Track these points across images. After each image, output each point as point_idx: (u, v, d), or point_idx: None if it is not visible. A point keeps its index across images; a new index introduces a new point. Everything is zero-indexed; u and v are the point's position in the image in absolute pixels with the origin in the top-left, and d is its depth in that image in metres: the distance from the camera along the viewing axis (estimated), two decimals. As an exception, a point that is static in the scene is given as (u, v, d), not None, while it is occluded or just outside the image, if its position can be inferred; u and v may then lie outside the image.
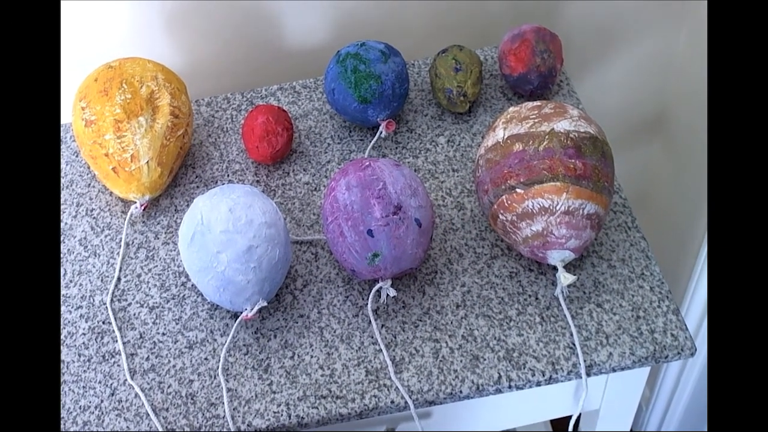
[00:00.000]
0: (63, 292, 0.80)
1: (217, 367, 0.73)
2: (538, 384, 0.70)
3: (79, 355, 0.75)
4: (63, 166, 0.92)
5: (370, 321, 0.74)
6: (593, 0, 1.03)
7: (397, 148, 0.89)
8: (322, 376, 0.71)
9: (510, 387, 0.69)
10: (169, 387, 0.72)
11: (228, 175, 0.88)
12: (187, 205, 0.86)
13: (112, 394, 0.72)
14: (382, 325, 0.74)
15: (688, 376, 1.23)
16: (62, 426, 0.71)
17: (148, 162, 0.82)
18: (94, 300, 0.79)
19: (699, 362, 1.18)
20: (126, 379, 0.73)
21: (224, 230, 0.69)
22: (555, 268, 0.76)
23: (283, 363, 0.73)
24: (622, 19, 1.06)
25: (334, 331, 0.74)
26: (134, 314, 0.78)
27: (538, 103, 0.73)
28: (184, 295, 0.79)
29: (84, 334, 0.77)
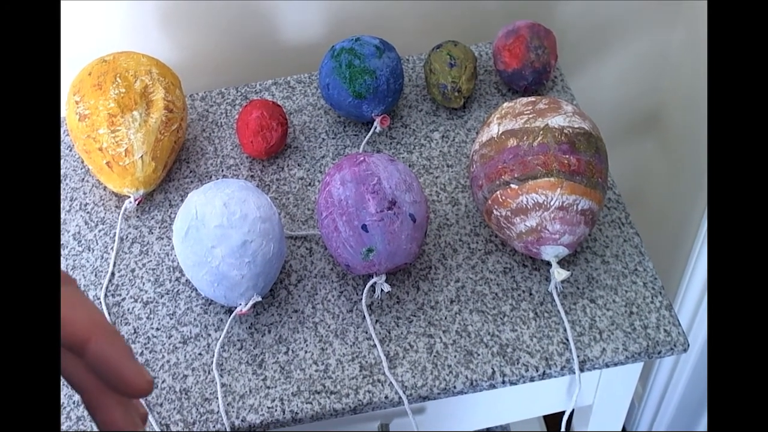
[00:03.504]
0: (56, 286, 0.80)
1: (211, 363, 0.73)
2: (532, 379, 0.70)
3: (73, 350, 0.75)
4: (56, 160, 0.91)
5: (364, 316, 0.74)
6: (588, -4, 1.03)
7: (391, 143, 0.89)
8: (316, 371, 0.71)
9: (504, 382, 0.70)
10: (163, 382, 0.72)
11: (222, 170, 0.88)
12: (182, 200, 0.86)
13: (106, 389, 0.72)
14: (377, 321, 0.74)
15: (681, 373, 1.24)
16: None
17: (142, 156, 0.82)
18: (87, 294, 0.79)
19: (691, 359, 1.19)
20: (120, 374, 0.73)
21: (219, 225, 0.69)
22: (549, 264, 0.76)
23: (278, 358, 0.73)
24: (617, 16, 1.06)
25: (329, 327, 0.74)
26: (128, 309, 0.78)
27: (532, 98, 0.73)
28: (178, 290, 0.78)
29: (77, 328, 0.77)
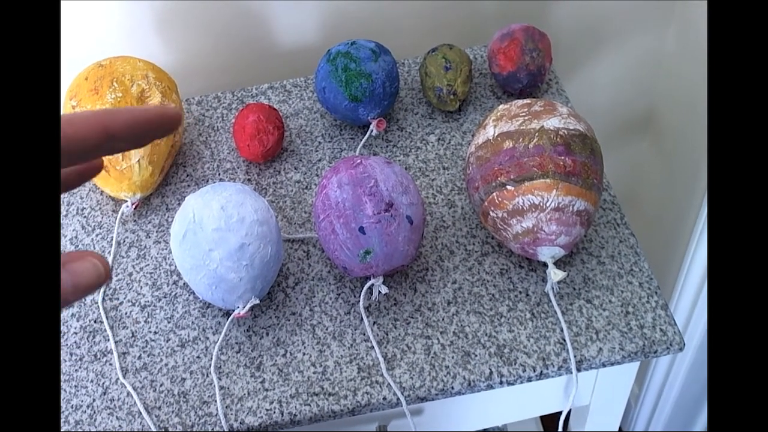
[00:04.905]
0: (54, 291, 0.80)
1: (210, 365, 0.73)
2: (529, 379, 0.70)
3: (71, 354, 0.75)
4: (53, 165, 0.91)
5: (361, 318, 0.75)
6: (582, 0, 1.04)
7: (387, 146, 0.89)
8: (314, 373, 0.72)
9: (501, 383, 0.70)
10: (161, 385, 0.72)
11: (219, 174, 0.88)
12: (179, 204, 0.86)
13: (104, 393, 0.73)
14: (374, 322, 0.74)
15: (677, 373, 1.24)
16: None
17: (139, 160, 0.82)
18: (85, 299, 0.79)
19: (687, 358, 1.19)
20: (118, 378, 0.73)
21: (216, 228, 0.69)
22: (545, 265, 0.77)
23: (276, 361, 0.73)
24: (610, 19, 1.07)
25: (326, 329, 0.74)
26: (126, 313, 0.78)
27: (527, 101, 0.74)
28: (176, 294, 0.79)
29: (76, 333, 0.77)
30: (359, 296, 0.76)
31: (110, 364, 0.74)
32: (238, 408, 0.70)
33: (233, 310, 0.75)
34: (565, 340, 0.71)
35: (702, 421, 1.33)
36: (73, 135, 0.34)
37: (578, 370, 0.70)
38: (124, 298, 0.79)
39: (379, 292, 0.74)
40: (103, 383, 0.73)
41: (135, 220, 0.85)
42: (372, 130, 0.87)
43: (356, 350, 0.73)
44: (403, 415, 0.79)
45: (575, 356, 0.70)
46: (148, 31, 0.96)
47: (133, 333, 0.76)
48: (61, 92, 1.00)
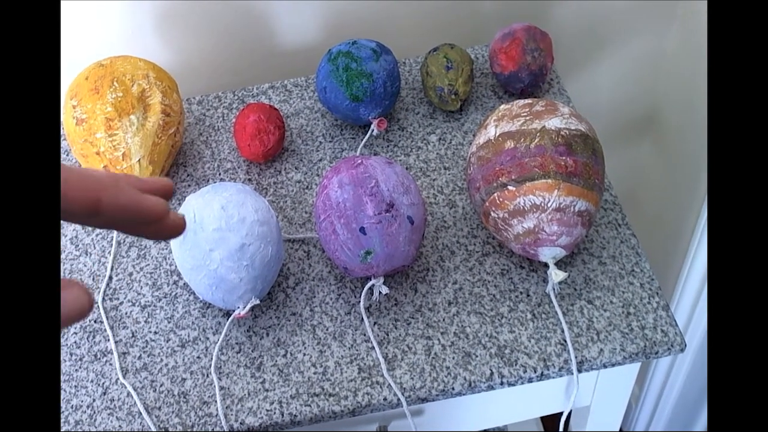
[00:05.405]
0: (54, 291, 0.80)
1: (210, 366, 0.73)
2: (530, 380, 0.70)
3: (71, 354, 0.75)
4: (53, 164, 0.91)
5: (362, 318, 0.75)
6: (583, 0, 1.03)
7: (388, 146, 0.89)
8: (314, 373, 0.72)
9: (502, 383, 0.70)
10: (161, 386, 0.72)
11: (220, 174, 0.88)
12: (179, 204, 0.86)
13: (104, 393, 0.72)
14: (375, 323, 0.74)
15: (677, 373, 1.24)
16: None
17: (139, 160, 0.82)
18: (85, 299, 0.79)
19: (688, 359, 1.19)
20: (118, 378, 0.73)
21: (217, 228, 0.69)
22: (546, 265, 0.77)
23: (276, 361, 0.73)
24: (611, 19, 1.07)
25: (327, 329, 0.74)
26: (126, 313, 0.78)
27: (529, 101, 0.74)
28: (176, 294, 0.79)
29: (75, 333, 0.77)
30: (360, 296, 0.76)
31: (110, 364, 0.74)
32: (239, 408, 0.70)
33: (233, 311, 0.75)
34: (566, 341, 0.71)
35: (703, 421, 1.33)
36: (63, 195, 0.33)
37: (579, 371, 0.70)
38: (124, 298, 0.79)
39: (380, 292, 0.74)
40: (103, 383, 0.73)
41: (135, 220, 0.85)
42: (373, 130, 0.87)
43: (357, 351, 0.73)
44: (404, 415, 0.79)
45: (576, 357, 0.70)
46: (149, 31, 0.96)
47: (133, 333, 0.76)
48: (61, 92, 1.00)
